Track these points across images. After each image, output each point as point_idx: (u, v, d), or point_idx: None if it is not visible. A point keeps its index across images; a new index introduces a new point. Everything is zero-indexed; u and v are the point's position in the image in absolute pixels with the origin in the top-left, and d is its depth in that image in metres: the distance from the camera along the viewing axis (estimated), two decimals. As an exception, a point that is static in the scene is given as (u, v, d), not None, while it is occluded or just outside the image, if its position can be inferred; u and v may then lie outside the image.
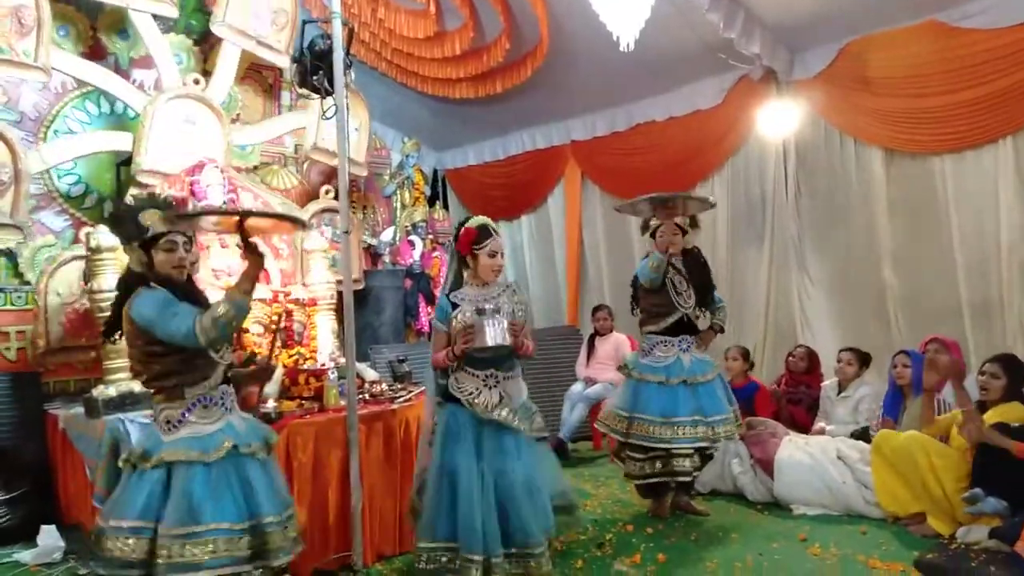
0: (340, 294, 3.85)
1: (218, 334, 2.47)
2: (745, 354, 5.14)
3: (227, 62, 5.18)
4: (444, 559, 2.94)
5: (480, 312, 3.02)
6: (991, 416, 3.60)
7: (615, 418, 4.05)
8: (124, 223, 2.63)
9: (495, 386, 3.04)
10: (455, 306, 3.09)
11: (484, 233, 3.09)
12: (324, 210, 5.70)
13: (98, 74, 4.78)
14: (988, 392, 3.63)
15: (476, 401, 2.99)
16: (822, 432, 4.58)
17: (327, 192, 5.85)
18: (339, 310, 4.46)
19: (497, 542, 2.89)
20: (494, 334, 2.93)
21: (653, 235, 4.09)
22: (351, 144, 5.75)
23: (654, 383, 3.94)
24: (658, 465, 3.91)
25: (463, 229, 3.12)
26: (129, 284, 2.60)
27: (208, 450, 2.52)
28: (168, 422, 2.56)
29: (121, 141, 4.78)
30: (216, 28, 5.06)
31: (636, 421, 3.92)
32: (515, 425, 3.04)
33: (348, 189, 3.53)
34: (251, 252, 2.60)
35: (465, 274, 3.16)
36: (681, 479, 3.99)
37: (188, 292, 2.65)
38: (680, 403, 3.88)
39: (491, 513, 2.90)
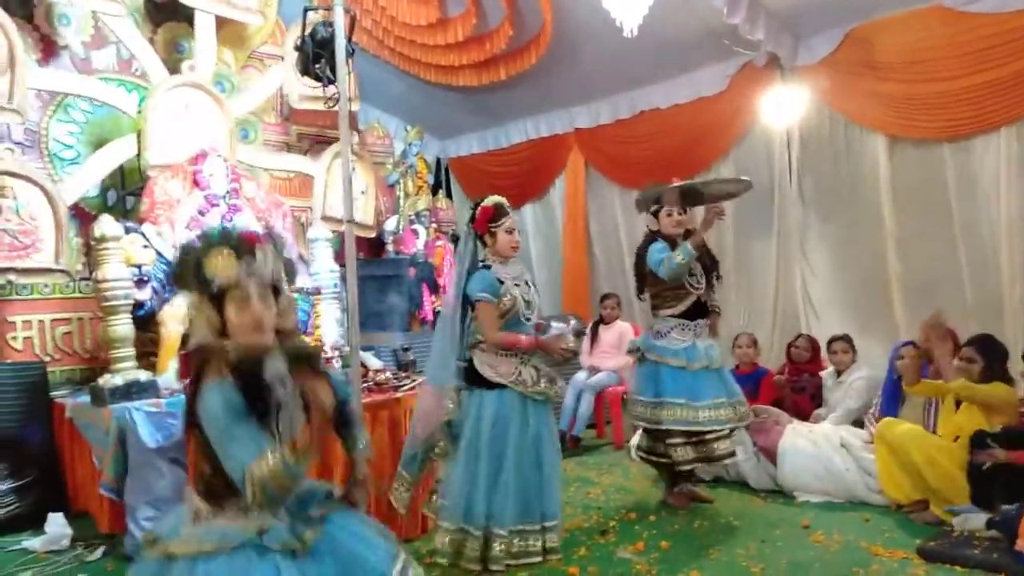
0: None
1: (263, 498, 1.76)
2: (755, 341, 5.15)
3: (203, 31, 5.08)
4: (472, 541, 3.05)
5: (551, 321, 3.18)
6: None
7: (641, 406, 3.93)
8: (185, 272, 1.92)
9: (528, 362, 3.17)
10: (501, 281, 3.16)
11: (500, 211, 3.16)
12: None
13: (84, 84, 4.77)
14: (968, 376, 3.63)
15: (523, 379, 3.10)
16: (818, 419, 4.60)
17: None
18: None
19: (523, 516, 3.07)
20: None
21: (655, 214, 3.99)
22: (357, 207, 5.79)
23: (675, 367, 3.84)
24: (691, 452, 3.83)
25: (480, 208, 3.20)
26: (196, 367, 1.88)
27: (228, 538, 1.81)
28: (196, 514, 1.88)
29: (127, 147, 4.77)
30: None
31: (665, 406, 3.81)
32: (553, 396, 3.20)
33: (350, 178, 3.53)
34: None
35: (482, 252, 3.21)
36: (724, 461, 3.98)
37: (258, 385, 1.79)
38: (707, 386, 3.81)
39: (526, 489, 3.06)
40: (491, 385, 3.09)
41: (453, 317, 3.21)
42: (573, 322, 3.27)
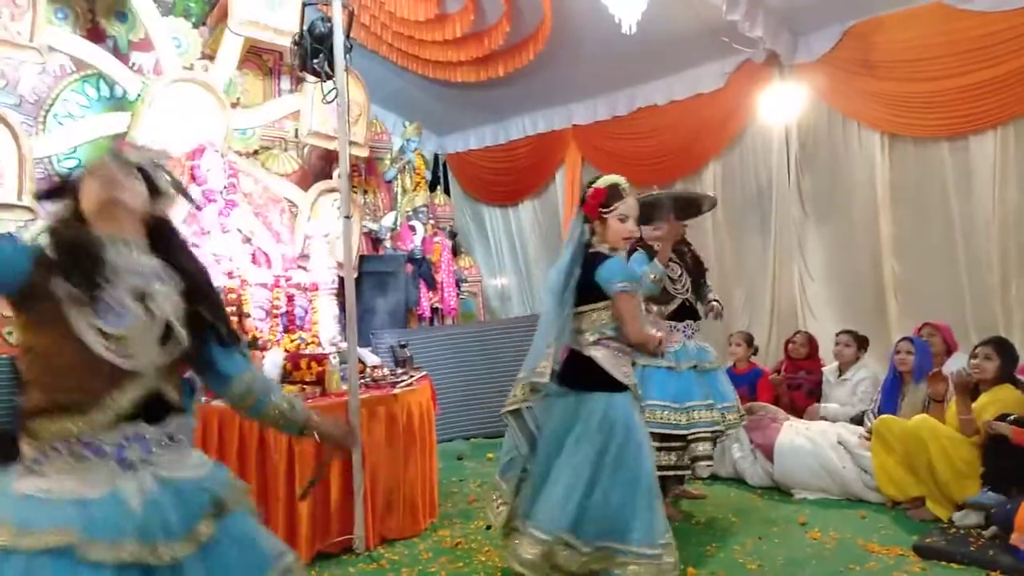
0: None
1: None
2: (748, 340, 5.14)
3: (229, 49, 5.17)
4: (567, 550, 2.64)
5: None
6: (985, 398, 3.64)
7: None
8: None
9: (633, 366, 2.89)
10: None
11: (614, 194, 2.79)
12: (330, 190, 5.69)
13: (96, 54, 4.76)
14: (982, 374, 3.66)
15: (633, 383, 2.80)
16: (816, 414, 4.62)
17: (339, 175, 5.83)
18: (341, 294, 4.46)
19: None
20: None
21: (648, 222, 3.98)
22: (353, 128, 5.75)
23: (663, 368, 3.74)
24: (673, 457, 3.70)
25: (592, 189, 2.83)
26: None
27: (28, 527, 1.39)
28: (32, 459, 1.52)
29: (119, 122, 4.76)
30: (234, 27, 5.09)
31: (648, 408, 3.64)
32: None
33: (349, 173, 3.52)
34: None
35: (594, 239, 2.84)
36: (704, 463, 3.74)
37: (80, 247, 1.55)
38: (693, 388, 3.72)
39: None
40: (618, 387, 2.72)
41: (558, 311, 2.79)
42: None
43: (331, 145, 5.69)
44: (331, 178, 5.83)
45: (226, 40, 5.16)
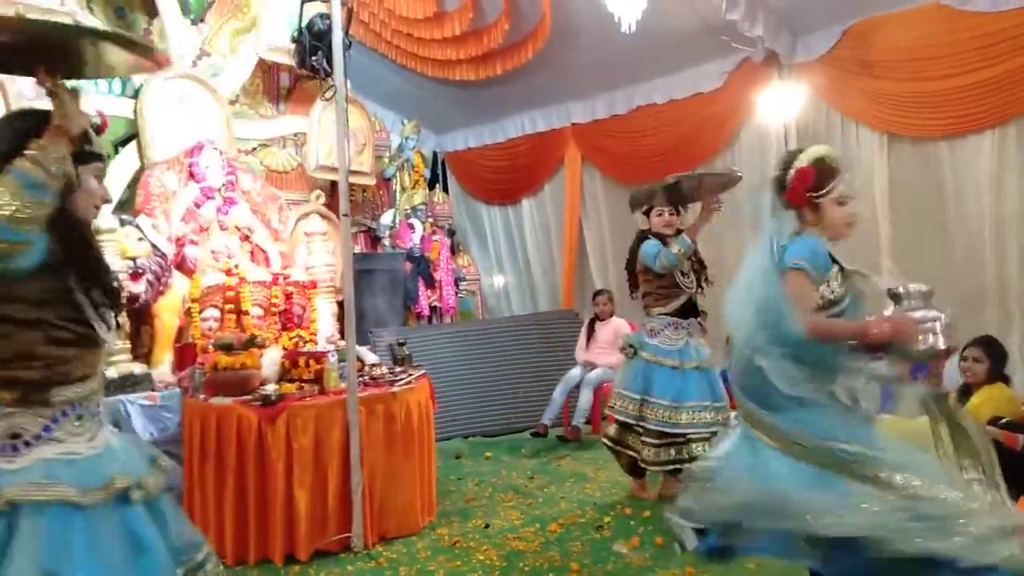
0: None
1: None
2: None
3: (244, 64, 5.25)
4: None
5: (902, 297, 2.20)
6: (978, 399, 3.64)
7: (624, 399, 3.92)
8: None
9: None
10: (835, 260, 2.26)
11: (826, 173, 2.22)
12: (311, 213, 5.72)
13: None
14: (973, 376, 3.66)
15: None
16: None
17: (317, 197, 5.83)
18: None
19: None
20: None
21: (646, 214, 4.05)
22: (358, 158, 5.82)
23: (667, 366, 3.83)
24: (672, 452, 3.80)
25: (795, 171, 2.22)
26: None
27: (86, 484, 1.56)
28: (15, 437, 1.56)
29: (122, 107, 4.77)
30: (262, 51, 5.13)
31: (649, 405, 3.80)
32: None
33: (347, 171, 3.52)
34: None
35: (799, 227, 2.29)
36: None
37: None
38: (693, 387, 3.79)
39: None
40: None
41: None
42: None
43: (337, 177, 5.78)
44: (312, 202, 5.84)
45: (244, 56, 5.22)
